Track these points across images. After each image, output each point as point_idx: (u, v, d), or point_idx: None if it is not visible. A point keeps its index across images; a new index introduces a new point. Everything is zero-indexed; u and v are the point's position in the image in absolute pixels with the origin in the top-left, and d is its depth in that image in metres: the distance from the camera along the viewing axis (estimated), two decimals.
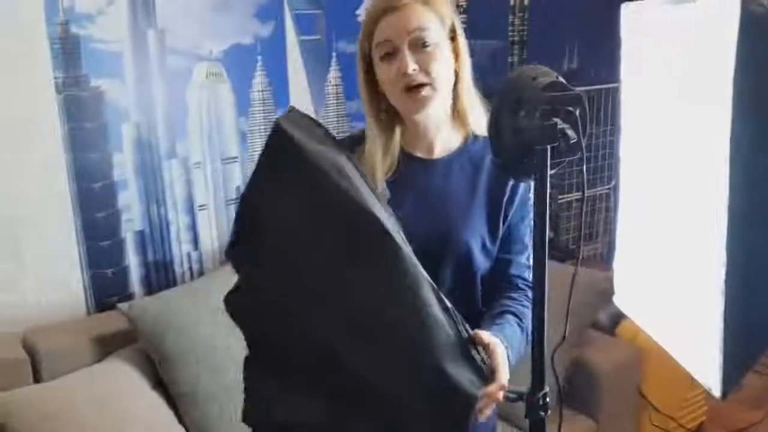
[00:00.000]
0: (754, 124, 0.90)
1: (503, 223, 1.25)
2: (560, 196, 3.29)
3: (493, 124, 0.91)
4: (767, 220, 0.95)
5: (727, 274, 0.92)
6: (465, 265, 1.23)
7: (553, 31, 3.15)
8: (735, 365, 1.00)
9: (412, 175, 1.24)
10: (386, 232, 0.95)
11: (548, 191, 0.86)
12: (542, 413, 0.90)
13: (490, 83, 3.17)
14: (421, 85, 1.16)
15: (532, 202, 1.20)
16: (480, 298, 1.28)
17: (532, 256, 0.99)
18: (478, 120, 1.26)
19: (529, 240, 1.28)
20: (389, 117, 1.26)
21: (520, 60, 3.06)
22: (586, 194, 0.90)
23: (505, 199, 1.24)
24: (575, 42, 3.23)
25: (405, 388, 0.97)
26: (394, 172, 1.24)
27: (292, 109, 1.09)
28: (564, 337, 0.91)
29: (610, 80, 3.09)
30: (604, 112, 3.27)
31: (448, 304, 1.00)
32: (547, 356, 0.95)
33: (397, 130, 1.25)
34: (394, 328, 0.95)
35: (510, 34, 3.02)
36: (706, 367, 1.00)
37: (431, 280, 1.00)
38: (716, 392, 1.01)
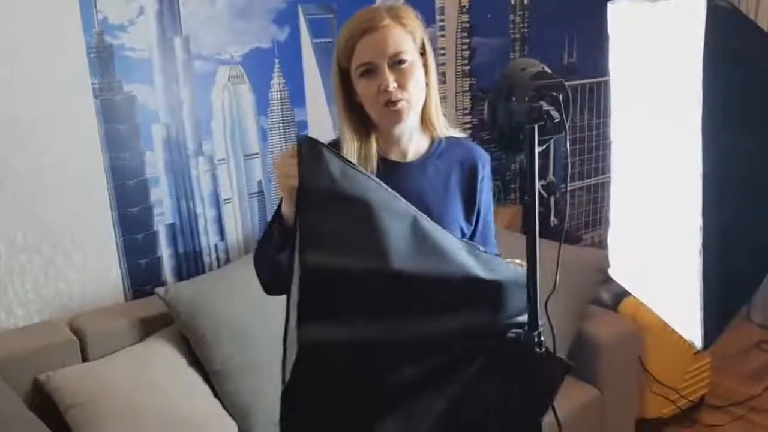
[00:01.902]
0: (721, 108, 1.04)
1: (476, 211, 1.42)
2: (563, 186, 3.43)
3: (491, 110, 1.07)
4: (736, 189, 1.10)
5: (704, 238, 1.06)
6: None
7: (553, 27, 3.28)
8: (714, 321, 1.13)
9: (391, 178, 1.34)
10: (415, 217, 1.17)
11: (536, 164, 1.02)
12: (537, 349, 1.05)
13: (495, 77, 3.33)
14: (399, 101, 1.29)
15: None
16: None
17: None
18: (442, 124, 1.42)
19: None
20: (363, 124, 1.36)
21: (521, 56, 3.20)
22: (569, 165, 1.06)
23: (477, 189, 1.41)
24: (574, 37, 3.36)
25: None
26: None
27: (306, 143, 1.16)
28: (554, 287, 1.07)
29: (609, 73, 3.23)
30: (604, 103, 3.41)
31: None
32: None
33: (373, 137, 1.37)
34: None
35: (511, 31, 3.16)
36: (689, 323, 1.15)
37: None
38: (698, 345, 1.15)
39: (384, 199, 1.16)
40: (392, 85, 1.27)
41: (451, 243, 1.19)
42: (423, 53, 1.34)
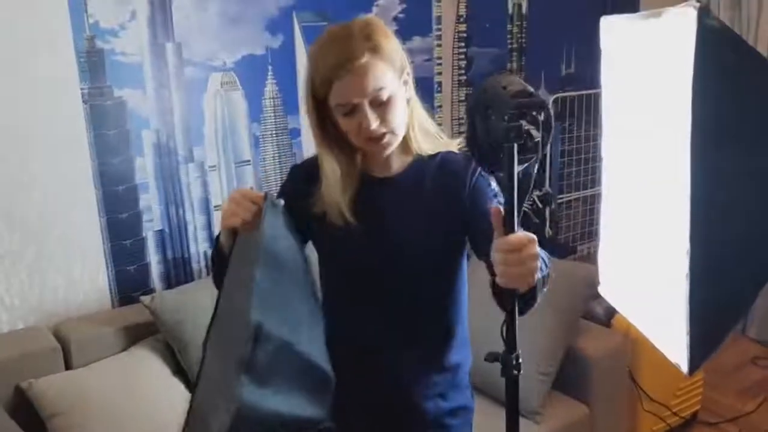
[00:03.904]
0: (710, 128, 1.02)
1: (468, 220, 1.32)
2: (559, 196, 3.42)
3: (469, 125, 1.05)
4: (725, 212, 1.08)
5: (691, 262, 1.04)
6: (426, 266, 1.34)
7: (550, 38, 3.26)
8: (701, 345, 1.11)
9: (375, 193, 1.33)
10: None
11: (516, 184, 0.99)
12: (515, 372, 1.03)
13: None
14: (384, 135, 1.25)
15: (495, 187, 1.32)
16: (446, 292, 1.39)
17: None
18: (428, 141, 1.35)
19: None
20: (345, 143, 1.30)
21: (518, 66, 3.18)
22: (548, 189, 1.04)
23: (462, 200, 1.31)
24: (572, 48, 3.33)
25: None
26: (357, 194, 1.32)
27: (277, 204, 1.17)
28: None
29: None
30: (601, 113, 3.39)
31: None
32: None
33: (357, 156, 1.33)
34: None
35: (509, 41, 3.13)
36: (675, 346, 1.13)
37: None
38: (684, 369, 1.13)
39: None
40: (374, 124, 1.22)
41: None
42: (402, 73, 1.27)
